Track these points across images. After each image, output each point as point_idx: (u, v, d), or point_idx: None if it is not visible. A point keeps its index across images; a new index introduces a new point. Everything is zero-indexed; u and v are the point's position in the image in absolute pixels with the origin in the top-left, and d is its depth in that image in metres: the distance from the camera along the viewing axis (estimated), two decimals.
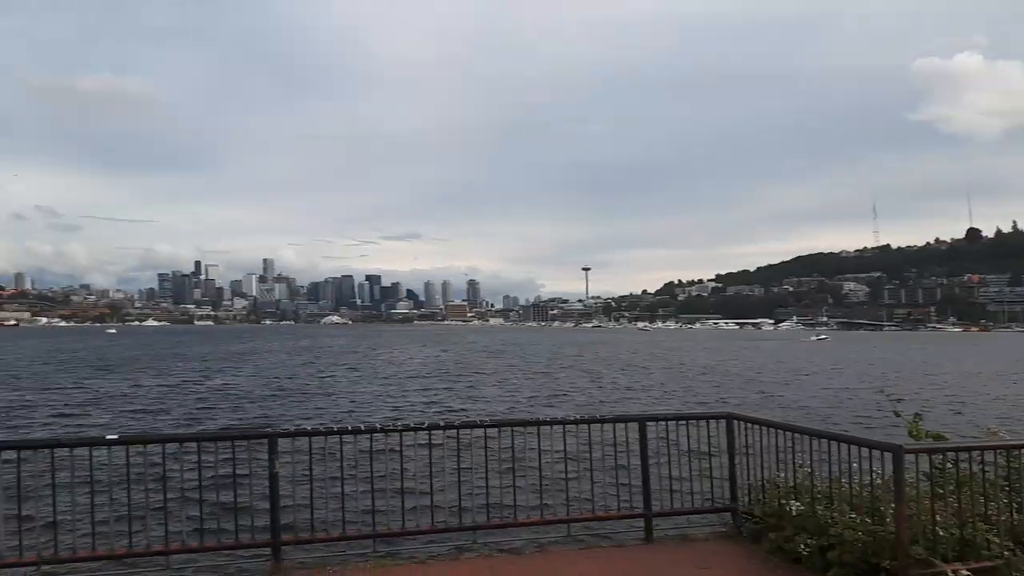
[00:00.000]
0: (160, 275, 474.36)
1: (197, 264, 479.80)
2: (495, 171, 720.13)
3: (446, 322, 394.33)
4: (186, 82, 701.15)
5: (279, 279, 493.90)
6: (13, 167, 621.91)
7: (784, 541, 6.14)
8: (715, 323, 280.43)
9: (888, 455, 5.47)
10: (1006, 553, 5.18)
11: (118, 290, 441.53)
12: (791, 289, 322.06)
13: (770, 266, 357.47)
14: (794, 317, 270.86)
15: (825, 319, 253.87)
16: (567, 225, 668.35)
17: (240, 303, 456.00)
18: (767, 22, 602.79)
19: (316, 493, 6.68)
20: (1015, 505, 5.75)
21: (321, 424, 19.48)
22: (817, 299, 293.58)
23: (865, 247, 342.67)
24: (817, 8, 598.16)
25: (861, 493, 5.85)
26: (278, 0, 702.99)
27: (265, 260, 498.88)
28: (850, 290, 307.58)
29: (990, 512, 5.51)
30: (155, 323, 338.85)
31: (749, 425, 7.26)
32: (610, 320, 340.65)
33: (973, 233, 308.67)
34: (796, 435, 6.62)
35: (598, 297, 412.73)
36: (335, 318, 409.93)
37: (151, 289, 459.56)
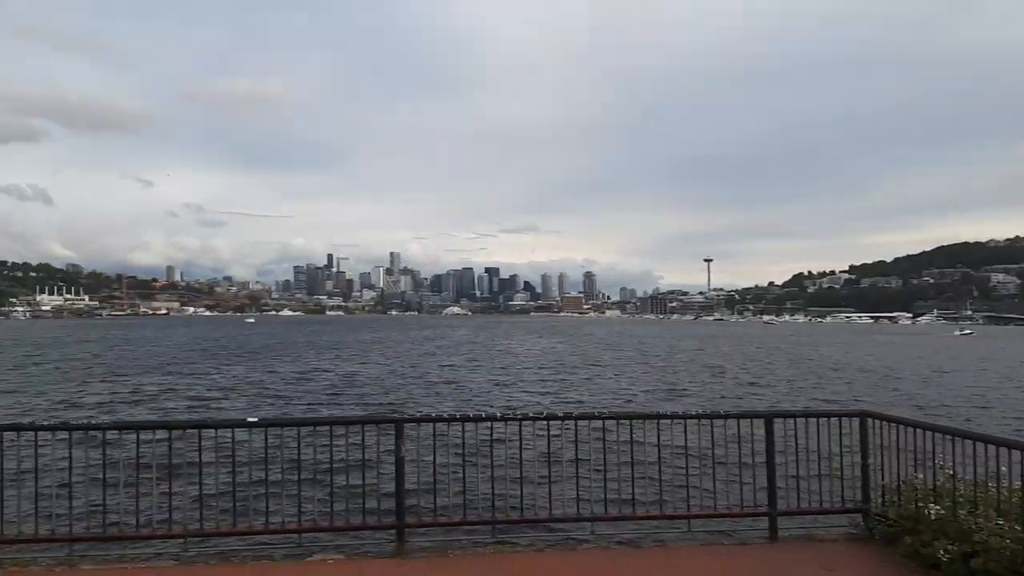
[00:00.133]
0: (295, 268, 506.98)
1: (329, 257, 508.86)
2: (614, 162, 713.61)
3: (562, 314, 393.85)
4: (319, 83, 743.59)
5: (404, 271, 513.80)
6: (166, 168, 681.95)
7: (922, 546, 5.80)
8: (847, 317, 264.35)
9: None
10: None
11: (257, 282, 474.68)
12: (932, 281, 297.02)
13: (909, 256, 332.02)
14: (934, 311, 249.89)
15: (969, 313, 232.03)
16: (688, 215, 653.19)
17: (368, 294, 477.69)
18: None
19: (438, 478, 6.79)
20: None
21: (444, 411, 20.17)
22: (961, 291, 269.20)
23: (1017, 236, 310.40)
24: None
25: (1010, 499, 5.45)
26: (406, 1, 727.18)
27: (392, 253, 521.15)
28: (999, 282, 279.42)
29: None
30: (290, 313, 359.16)
31: (885, 424, 6.87)
32: (733, 313, 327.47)
33: None
34: (937, 435, 6.24)
35: (720, 289, 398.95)
36: (456, 309, 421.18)
37: (287, 281, 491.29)
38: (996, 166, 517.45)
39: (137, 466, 6.19)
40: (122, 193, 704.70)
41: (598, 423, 7.38)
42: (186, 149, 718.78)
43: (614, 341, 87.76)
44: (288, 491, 6.66)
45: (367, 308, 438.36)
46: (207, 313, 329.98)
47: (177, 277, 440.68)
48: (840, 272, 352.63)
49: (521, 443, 6.72)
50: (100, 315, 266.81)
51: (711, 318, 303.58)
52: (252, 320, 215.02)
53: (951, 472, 6.00)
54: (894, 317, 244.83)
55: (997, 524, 5.25)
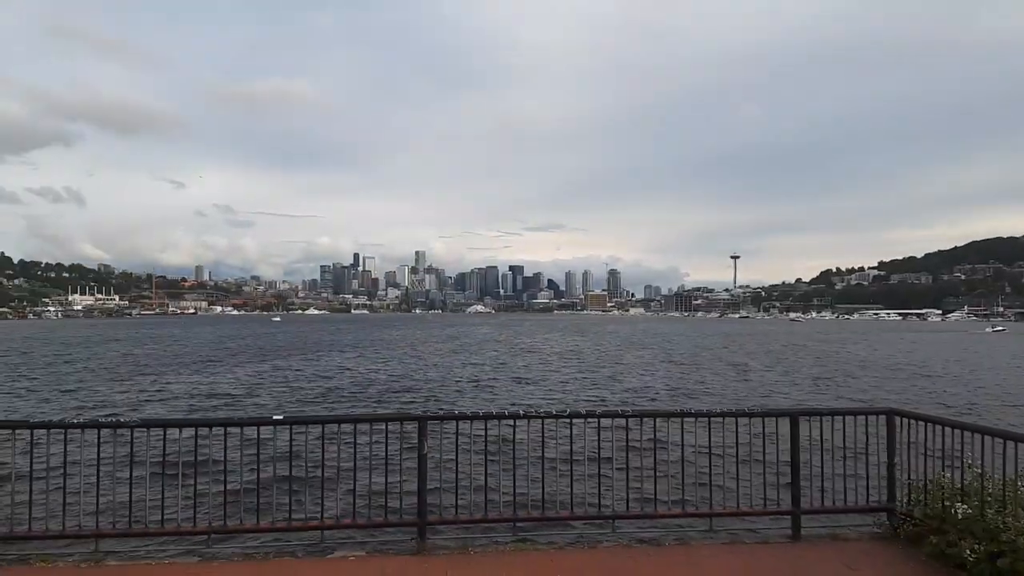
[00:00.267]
0: (322, 267, 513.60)
1: (355, 256, 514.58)
2: (640, 160, 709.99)
3: (585, 312, 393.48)
4: (346, 83, 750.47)
5: (429, 270, 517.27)
6: (198, 169, 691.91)
7: (947, 545, 5.71)
8: (875, 314, 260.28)
9: None
10: None
11: (284, 281, 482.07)
12: (963, 277, 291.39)
13: (940, 252, 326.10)
14: (965, 307, 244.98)
15: (1001, 309, 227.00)
16: (714, 212, 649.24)
17: (393, 293, 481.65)
18: None
19: (460, 476, 6.78)
20: None
21: (467, 409, 20.22)
22: (993, 288, 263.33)
23: None
24: None
25: None
26: (433, 1, 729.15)
27: (417, 252, 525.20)
28: None
29: None
30: (316, 311, 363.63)
31: (913, 422, 6.76)
32: (759, 311, 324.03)
33: None
34: (966, 433, 6.12)
35: (747, 286, 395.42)
36: (479, 307, 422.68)
37: (313, 280, 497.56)
38: None
39: (163, 463, 6.27)
40: (153, 194, 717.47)
41: (621, 421, 7.33)
42: (215, 150, 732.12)
43: (638, 339, 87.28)
44: (311, 488, 6.68)
45: (392, 306, 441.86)
46: (234, 312, 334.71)
47: (206, 277, 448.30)
48: (869, 268, 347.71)
49: (543, 440, 6.69)
50: (130, 314, 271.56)
51: (737, 316, 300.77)
52: (278, 319, 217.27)
53: (980, 471, 5.89)
54: (923, 314, 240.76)
55: None
